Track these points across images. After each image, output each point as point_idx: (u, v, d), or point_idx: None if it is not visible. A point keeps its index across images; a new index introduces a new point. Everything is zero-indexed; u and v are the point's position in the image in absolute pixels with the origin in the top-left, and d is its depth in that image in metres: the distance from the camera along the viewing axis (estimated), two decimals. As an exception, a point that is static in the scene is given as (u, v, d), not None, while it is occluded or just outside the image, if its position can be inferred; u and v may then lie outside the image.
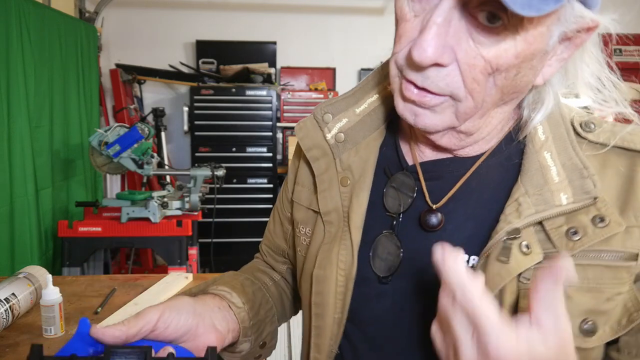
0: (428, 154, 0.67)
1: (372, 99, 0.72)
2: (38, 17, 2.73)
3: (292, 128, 4.08)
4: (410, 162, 0.68)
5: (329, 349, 0.68)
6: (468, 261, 0.61)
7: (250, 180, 3.92)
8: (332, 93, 4.07)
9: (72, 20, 3.30)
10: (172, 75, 4.03)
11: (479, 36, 0.52)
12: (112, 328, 0.54)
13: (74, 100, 3.17)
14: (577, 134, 0.61)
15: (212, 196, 2.65)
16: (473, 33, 0.52)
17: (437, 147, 0.66)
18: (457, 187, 0.64)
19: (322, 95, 4.07)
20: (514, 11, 0.45)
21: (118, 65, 3.91)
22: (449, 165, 0.65)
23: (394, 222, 0.66)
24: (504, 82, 0.55)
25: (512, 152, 0.63)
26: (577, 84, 0.60)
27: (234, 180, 3.76)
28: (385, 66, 0.70)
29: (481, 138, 0.63)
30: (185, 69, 4.09)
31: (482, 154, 0.64)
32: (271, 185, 3.93)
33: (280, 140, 4.14)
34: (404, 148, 0.70)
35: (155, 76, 3.98)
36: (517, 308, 0.57)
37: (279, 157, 4.05)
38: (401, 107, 0.59)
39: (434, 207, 0.64)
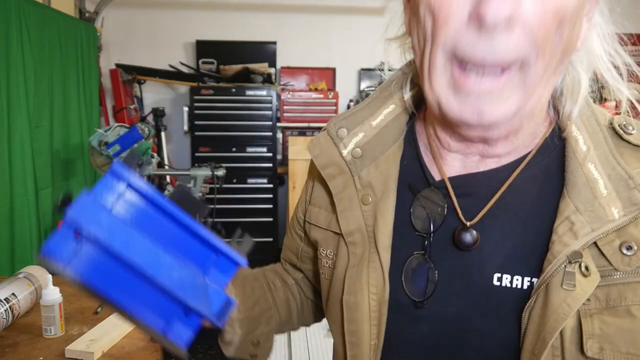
0: (456, 168, 0.63)
1: (389, 110, 0.67)
2: (38, 17, 2.73)
3: (292, 128, 4.09)
4: (437, 177, 0.63)
5: None
6: (511, 282, 0.57)
7: (250, 180, 3.92)
8: (332, 93, 4.07)
9: (72, 20, 3.30)
10: (172, 75, 4.03)
11: None
12: None
13: (74, 100, 3.18)
14: (618, 136, 0.58)
15: (212, 196, 2.65)
16: None
17: (469, 156, 0.61)
18: (492, 203, 0.59)
19: (322, 95, 4.07)
20: None
21: (118, 65, 3.91)
22: (481, 180, 0.61)
23: (425, 243, 0.61)
24: (567, 35, 0.51)
25: (548, 164, 0.59)
26: (597, 62, 0.58)
27: (234, 180, 3.76)
28: (400, 76, 0.67)
29: (530, 132, 0.59)
30: (185, 69, 4.09)
31: (516, 166, 0.60)
32: (271, 185, 3.93)
33: (280, 140, 4.14)
34: (428, 161, 0.65)
35: (155, 76, 3.98)
36: (580, 331, 0.53)
37: (279, 157, 4.05)
38: (457, 106, 0.53)
39: (468, 224, 0.60)
